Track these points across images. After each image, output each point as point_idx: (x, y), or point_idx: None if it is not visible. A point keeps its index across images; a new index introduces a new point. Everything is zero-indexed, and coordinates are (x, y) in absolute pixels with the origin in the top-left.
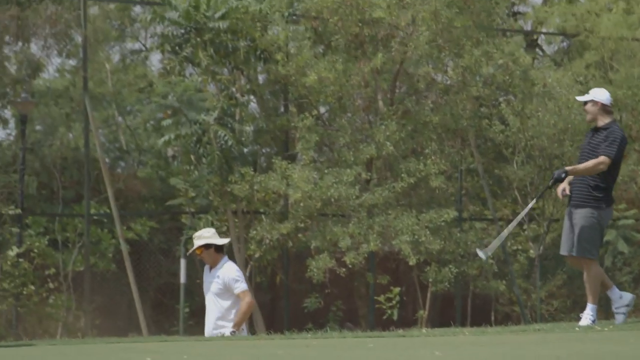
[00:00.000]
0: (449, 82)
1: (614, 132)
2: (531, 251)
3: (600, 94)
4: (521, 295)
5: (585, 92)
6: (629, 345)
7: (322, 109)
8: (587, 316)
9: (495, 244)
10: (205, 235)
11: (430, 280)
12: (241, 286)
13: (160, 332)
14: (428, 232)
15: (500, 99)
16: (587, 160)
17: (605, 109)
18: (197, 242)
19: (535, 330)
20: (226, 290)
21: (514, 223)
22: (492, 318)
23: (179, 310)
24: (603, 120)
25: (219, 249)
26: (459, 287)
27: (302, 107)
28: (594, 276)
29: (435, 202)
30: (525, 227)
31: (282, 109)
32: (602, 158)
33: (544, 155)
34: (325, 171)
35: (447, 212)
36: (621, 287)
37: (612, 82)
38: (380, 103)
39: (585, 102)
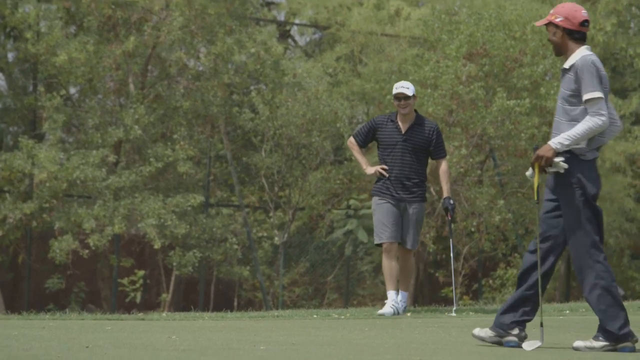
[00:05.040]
0: (201, 69)
1: (437, 129)
2: (276, 238)
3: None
4: (264, 282)
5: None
6: (361, 332)
7: (73, 90)
8: (403, 303)
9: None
10: None
11: (175, 264)
12: None
13: None
14: (174, 217)
15: (251, 87)
16: (409, 155)
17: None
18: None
19: (274, 317)
20: None
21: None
22: (235, 303)
23: None
24: (413, 111)
25: None
26: (203, 272)
27: (52, 87)
28: (414, 265)
29: (183, 187)
30: (271, 214)
31: (31, 88)
32: (446, 163)
33: (292, 144)
34: (72, 152)
35: (194, 197)
36: (362, 277)
37: (361, 76)
38: (131, 86)
39: (408, 97)
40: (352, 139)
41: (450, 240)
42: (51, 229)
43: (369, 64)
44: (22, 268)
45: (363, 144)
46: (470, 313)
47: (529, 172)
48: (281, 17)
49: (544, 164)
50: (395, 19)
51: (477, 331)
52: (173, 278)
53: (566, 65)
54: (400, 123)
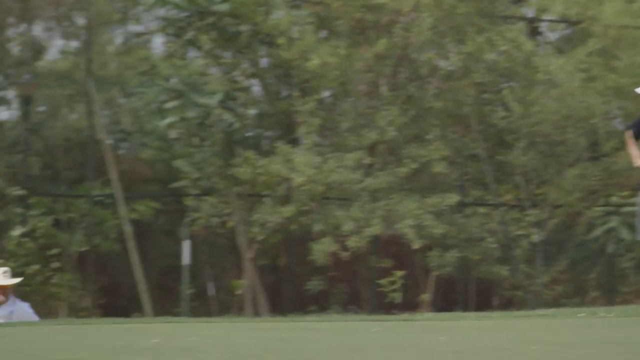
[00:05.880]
0: (451, 68)
1: None
2: (534, 236)
3: None
4: (524, 280)
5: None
6: (633, 331)
7: (325, 93)
8: None
9: None
10: None
11: (433, 264)
12: None
13: (162, 313)
14: (431, 217)
15: (503, 86)
16: None
17: None
18: None
19: (540, 316)
20: None
21: None
22: (495, 302)
23: (181, 292)
24: None
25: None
26: (461, 272)
27: (305, 91)
28: None
29: (438, 187)
30: (527, 212)
31: (284, 93)
32: None
33: (547, 141)
34: (328, 155)
35: (450, 197)
36: (624, 273)
37: (616, 70)
38: (383, 88)
39: None
40: (627, 130)
41: None
42: (310, 232)
43: (623, 58)
44: (283, 271)
45: (637, 136)
46: None
47: None
48: (530, 14)
49: None
50: None
51: None
52: (432, 278)
53: None
54: None
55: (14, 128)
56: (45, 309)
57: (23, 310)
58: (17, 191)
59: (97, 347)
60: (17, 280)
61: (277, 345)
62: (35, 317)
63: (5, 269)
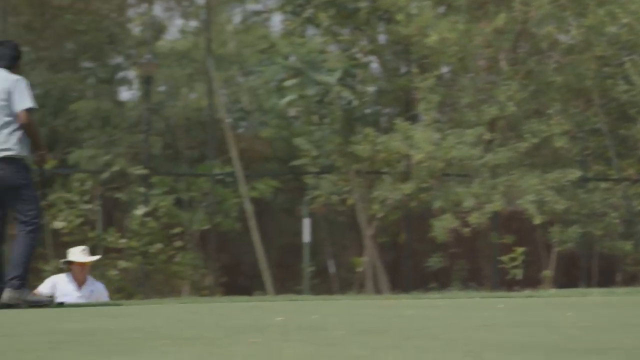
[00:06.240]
0: (572, 42)
1: None
2: None
3: None
4: None
5: None
6: None
7: (444, 69)
8: None
9: None
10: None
11: (555, 240)
12: None
13: (283, 291)
14: (553, 192)
15: (625, 59)
16: None
17: None
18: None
19: None
20: None
21: None
22: (618, 278)
23: (302, 269)
24: None
25: None
26: (584, 247)
27: (424, 68)
28: None
29: (559, 163)
30: None
31: (403, 70)
32: None
33: None
34: (447, 131)
35: (572, 172)
36: None
37: None
38: (503, 63)
39: None
40: None
41: None
42: (429, 209)
43: None
44: (403, 248)
45: None
46: None
47: None
48: None
49: None
50: None
51: None
52: (554, 254)
53: None
54: None
55: (135, 108)
56: (168, 288)
57: (101, 290)
58: (139, 171)
59: (221, 325)
60: (96, 257)
61: (400, 322)
62: (107, 299)
63: (83, 247)
